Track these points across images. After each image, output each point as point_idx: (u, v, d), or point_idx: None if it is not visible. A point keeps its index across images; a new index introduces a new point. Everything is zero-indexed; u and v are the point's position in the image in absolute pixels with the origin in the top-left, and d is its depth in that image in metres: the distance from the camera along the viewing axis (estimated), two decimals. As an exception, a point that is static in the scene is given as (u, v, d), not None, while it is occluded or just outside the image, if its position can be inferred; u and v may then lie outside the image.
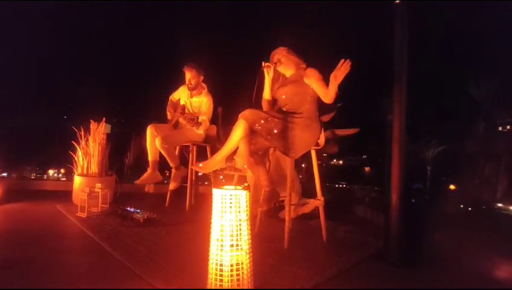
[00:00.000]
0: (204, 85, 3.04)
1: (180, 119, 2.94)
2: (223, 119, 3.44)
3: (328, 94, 1.90)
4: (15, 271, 1.48)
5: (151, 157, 2.79)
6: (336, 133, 2.56)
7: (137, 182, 2.80)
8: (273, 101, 2.20)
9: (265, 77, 2.15)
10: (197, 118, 2.86)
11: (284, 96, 2.09)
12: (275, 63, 2.14)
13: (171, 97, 3.10)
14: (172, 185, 3.03)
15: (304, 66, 2.12)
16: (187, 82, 2.96)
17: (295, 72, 2.13)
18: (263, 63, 2.13)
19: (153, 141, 2.75)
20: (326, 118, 2.52)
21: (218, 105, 3.20)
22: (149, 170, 2.79)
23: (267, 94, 2.18)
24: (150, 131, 2.81)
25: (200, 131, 2.95)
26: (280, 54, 2.15)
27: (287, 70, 2.17)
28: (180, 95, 3.09)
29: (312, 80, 2.02)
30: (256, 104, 2.18)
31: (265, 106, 2.19)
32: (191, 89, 2.98)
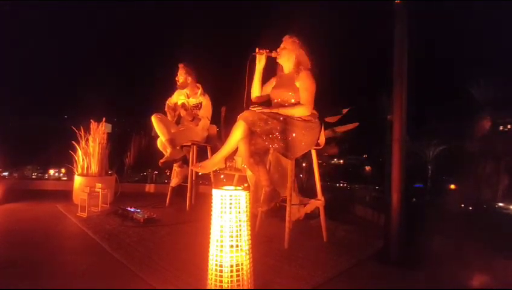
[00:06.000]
0: (199, 85, 3.09)
1: (182, 112, 2.98)
2: (225, 119, 3.45)
3: (302, 108, 1.93)
4: (15, 271, 1.48)
5: (165, 137, 2.71)
6: (337, 131, 2.56)
7: (161, 161, 2.70)
8: (263, 97, 2.14)
9: (256, 64, 2.06)
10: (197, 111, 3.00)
11: (280, 99, 2.04)
12: (269, 51, 2.03)
13: (167, 102, 3.13)
14: (173, 182, 3.05)
15: (307, 67, 2.03)
16: (177, 81, 3.02)
17: (291, 72, 2.05)
18: (257, 49, 2.03)
19: (160, 122, 2.73)
20: (332, 119, 2.53)
21: (218, 104, 3.22)
22: (169, 149, 2.71)
23: (256, 90, 2.11)
24: (155, 116, 2.77)
25: (200, 127, 2.99)
26: (287, 43, 2.05)
27: (287, 63, 2.07)
28: (177, 98, 3.12)
29: (301, 83, 1.97)
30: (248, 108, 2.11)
31: (255, 102, 2.12)
32: (181, 87, 3.03)
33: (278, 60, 2.10)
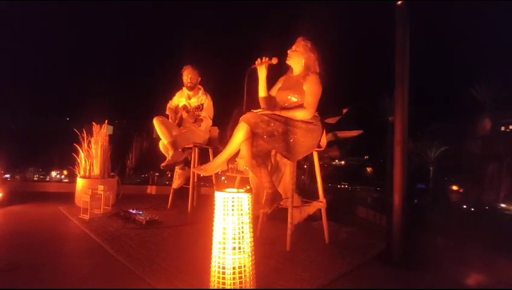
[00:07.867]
0: (200, 86, 3.12)
1: (184, 114, 3.00)
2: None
3: (303, 112, 1.92)
4: (18, 273, 1.48)
5: (167, 139, 2.73)
6: (338, 136, 2.55)
7: (163, 164, 2.72)
8: (271, 98, 2.12)
9: (259, 76, 2.06)
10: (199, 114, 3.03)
11: (284, 100, 2.05)
12: (268, 59, 2.01)
13: (168, 105, 3.14)
14: (175, 184, 3.06)
15: (316, 71, 2.03)
16: (187, 80, 3.03)
17: (299, 75, 2.06)
18: (257, 61, 2.02)
19: (162, 125, 2.76)
20: (332, 120, 2.52)
21: (220, 105, 3.22)
22: (171, 152, 2.73)
23: (262, 92, 2.10)
24: (156, 119, 2.80)
25: (202, 127, 3.00)
26: (299, 45, 2.05)
27: (296, 65, 2.08)
28: (178, 100, 3.14)
29: (307, 87, 1.97)
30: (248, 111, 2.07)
31: (262, 103, 2.11)
32: (190, 88, 3.04)
33: (288, 62, 2.10)
